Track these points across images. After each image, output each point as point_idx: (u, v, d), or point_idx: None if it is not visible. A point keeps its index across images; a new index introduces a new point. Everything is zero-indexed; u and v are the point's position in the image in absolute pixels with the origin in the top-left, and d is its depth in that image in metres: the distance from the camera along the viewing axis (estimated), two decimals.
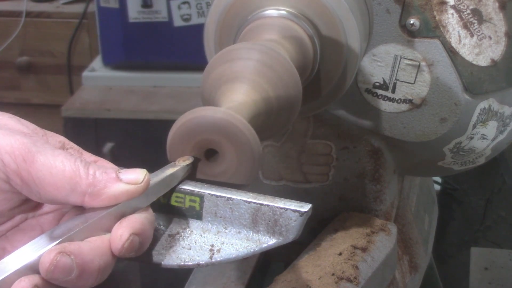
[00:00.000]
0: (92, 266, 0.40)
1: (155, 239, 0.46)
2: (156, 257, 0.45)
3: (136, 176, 0.43)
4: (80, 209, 0.45)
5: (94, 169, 0.42)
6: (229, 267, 0.76)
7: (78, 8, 2.18)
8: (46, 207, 0.48)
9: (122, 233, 0.41)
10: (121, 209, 0.43)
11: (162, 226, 0.47)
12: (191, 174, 0.47)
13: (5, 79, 2.25)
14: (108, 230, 0.42)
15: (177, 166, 0.46)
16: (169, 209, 0.47)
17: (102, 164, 0.44)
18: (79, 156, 0.44)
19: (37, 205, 0.47)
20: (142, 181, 0.43)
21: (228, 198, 0.45)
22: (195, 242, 0.45)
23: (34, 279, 0.39)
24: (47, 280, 0.39)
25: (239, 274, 0.75)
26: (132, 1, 1.82)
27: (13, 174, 0.42)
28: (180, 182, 0.46)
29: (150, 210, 0.45)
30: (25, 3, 2.20)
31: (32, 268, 0.39)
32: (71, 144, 0.48)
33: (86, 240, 0.41)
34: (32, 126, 0.46)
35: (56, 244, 0.40)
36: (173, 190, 0.46)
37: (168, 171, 0.46)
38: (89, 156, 0.47)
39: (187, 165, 0.46)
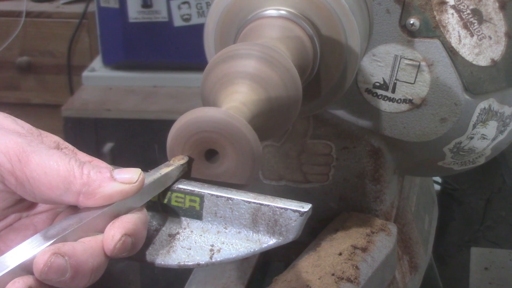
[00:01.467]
0: (85, 267, 0.40)
1: (155, 239, 0.46)
2: (156, 257, 0.45)
3: (130, 175, 0.43)
4: (74, 209, 0.45)
5: (89, 168, 0.42)
6: (229, 267, 0.76)
7: (78, 8, 2.18)
8: (40, 207, 0.48)
9: (114, 233, 0.41)
10: (115, 208, 0.43)
11: (161, 226, 0.47)
12: (186, 174, 0.47)
13: (5, 79, 2.25)
14: (102, 230, 0.42)
15: (172, 165, 0.46)
16: (169, 209, 0.47)
17: (96, 164, 0.44)
18: (74, 156, 0.44)
19: (31, 205, 0.47)
20: (137, 180, 0.43)
21: (228, 198, 0.45)
22: (195, 242, 0.45)
23: (28, 280, 0.39)
24: (41, 280, 0.39)
25: (239, 274, 0.75)
26: (132, 1, 1.82)
27: (8, 174, 0.42)
28: (175, 182, 0.46)
29: (144, 210, 0.44)
30: (25, 3, 2.20)
31: (26, 269, 0.39)
32: (66, 144, 0.48)
33: (80, 241, 0.41)
34: (27, 126, 0.46)
35: (51, 244, 0.40)
36: (168, 189, 0.46)
37: (163, 170, 0.46)
38: (83, 156, 0.47)
39: (182, 164, 0.46)
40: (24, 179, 0.42)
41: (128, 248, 0.42)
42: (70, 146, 0.48)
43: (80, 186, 0.42)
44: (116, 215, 0.43)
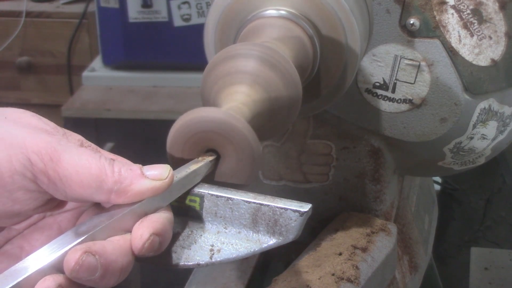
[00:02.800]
0: (115, 266, 0.40)
1: None
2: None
3: (160, 171, 0.43)
4: (100, 208, 0.45)
5: (119, 166, 0.42)
6: (229, 267, 0.76)
7: (78, 8, 2.18)
8: (66, 206, 0.48)
9: (143, 232, 0.41)
10: (144, 206, 0.43)
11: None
12: (213, 171, 0.47)
13: (5, 79, 2.25)
14: (130, 229, 0.42)
15: (200, 162, 0.46)
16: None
17: (125, 161, 0.44)
18: (101, 154, 0.44)
19: (59, 204, 0.47)
20: (167, 176, 0.43)
21: (228, 198, 0.45)
22: (195, 242, 0.45)
23: (58, 278, 0.39)
24: (71, 279, 0.39)
25: (239, 274, 0.75)
26: (132, 1, 1.82)
27: (40, 173, 0.42)
28: (204, 178, 0.46)
29: (170, 210, 0.44)
30: (25, 3, 2.20)
31: (56, 267, 0.39)
32: (89, 142, 0.48)
33: (109, 240, 0.41)
34: (52, 124, 0.46)
35: (82, 240, 0.40)
36: (195, 186, 0.46)
37: (192, 167, 0.45)
38: (108, 154, 0.47)
39: (210, 161, 0.46)
40: (56, 178, 0.42)
41: (156, 248, 0.42)
42: (93, 145, 0.48)
43: (112, 184, 0.42)
44: (144, 214, 0.43)
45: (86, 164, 0.42)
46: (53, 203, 0.45)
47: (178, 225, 0.46)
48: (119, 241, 0.41)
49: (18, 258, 0.45)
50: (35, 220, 0.47)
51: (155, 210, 0.43)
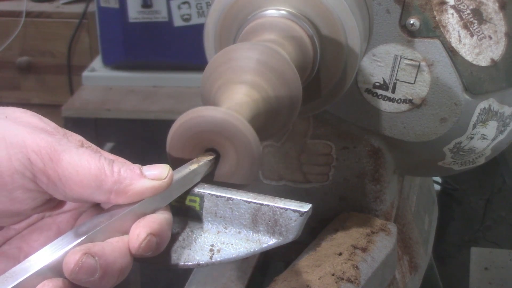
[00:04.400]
0: (114, 267, 0.40)
1: None
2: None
3: (160, 171, 0.43)
4: (99, 209, 0.45)
5: (119, 166, 0.42)
6: (229, 267, 0.76)
7: (78, 8, 2.18)
8: (65, 206, 0.48)
9: (140, 232, 0.42)
10: (144, 206, 0.43)
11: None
12: (213, 171, 0.47)
13: (5, 79, 2.25)
14: (129, 230, 0.42)
15: (200, 161, 0.46)
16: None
17: (124, 161, 0.44)
18: (102, 154, 0.44)
19: (58, 204, 0.47)
20: (166, 176, 0.43)
21: (228, 198, 0.45)
22: (195, 242, 0.45)
23: (58, 283, 0.39)
24: (71, 280, 0.39)
25: (239, 274, 0.75)
26: (132, 1, 1.82)
27: (40, 173, 0.42)
28: (203, 178, 0.46)
29: (169, 211, 0.44)
30: (25, 3, 2.20)
31: (55, 268, 0.39)
32: (89, 143, 0.48)
33: (108, 241, 0.41)
34: (53, 124, 0.46)
35: (82, 240, 0.40)
36: (195, 186, 0.46)
37: (191, 166, 0.45)
38: (108, 155, 0.47)
39: (210, 160, 0.46)
40: (56, 178, 0.42)
41: (153, 248, 0.42)
42: (94, 146, 0.48)
43: (112, 184, 0.42)
44: (143, 214, 0.43)
45: (86, 164, 0.42)
46: (52, 203, 0.45)
47: (178, 225, 0.46)
48: (118, 242, 0.41)
49: (16, 258, 0.45)
50: (34, 220, 0.47)
51: (154, 210, 0.43)
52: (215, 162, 0.46)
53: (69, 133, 0.47)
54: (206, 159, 0.46)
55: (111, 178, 0.42)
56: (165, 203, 0.44)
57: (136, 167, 0.43)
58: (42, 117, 0.46)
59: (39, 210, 0.45)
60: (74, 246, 0.39)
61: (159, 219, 0.43)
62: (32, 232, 0.47)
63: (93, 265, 0.39)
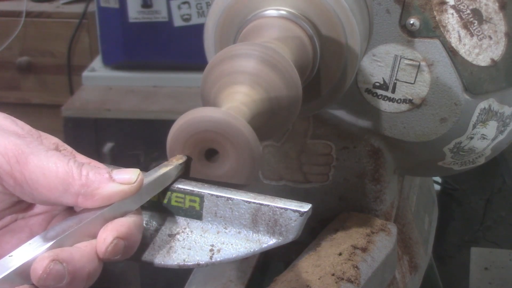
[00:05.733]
0: (82, 273, 0.40)
1: (155, 239, 0.46)
2: (156, 257, 0.45)
3: (129, 176, 0.43)
4: (71, 212, 0.45)
5: (87, 169, 0.43)
6: (229, 267, 0.76)
7: (78, 8, 2.18)
8: (37, 209, 0.48)
9: (106, 236, 0.42)
10: (113, 210, 0.43)
11: (161, 226, 0.47)
12: (185, 173, 0.47)
13: (5, 79, 2.25)
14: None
15: (170, 165, 0.46)
16: (169, 209, 0.47)
17: (95, 165, 0.44)
18: (72, 157, 0.44)
19: (28, 206, 0.47)
20: (136, 180, 0.43)
21: (228, 198, 0.45)
22: (195, 242, 0.45)
23: None
24: (38, 286, 0.39)
25: (239, 274, 0.75)
26: (132, 1, 1.82)
27: (6, 175, 0.42)
28: (174, 181, 0.46)
29: (140, 214, 0.45)
30: (25, 3, 2.20)
31: (23, 274, 0.39)
32: (65, 146, 0.48)
33: (76, 246, 0.41)
34: (27, 127, 0.46)
35: (49, 247, 0.40)
36: (167, 189, 0.46)
37: (161, 170, 0.46)
38: (82, 158, 0.47)
39: (180, 164, 0.46)
40: (22, 181, 0.42)
41: (121, 252, 0.42)
42: (69, 148, 0.48)
43: (79, 187, 0.42)
44: (113, 218, 0.43)
45: (53, 167, 0.42)
46: (21, 206, 0.46)
47: (178, 225, 0.46)
48: (86, 247, 0.41)
49: None
50: (7, 222, 0.47)
51: (125, 214, 0.43)
52: (187, 165, 0.46)
53: (45, 135, 0.47)
54: (177, 162, 0.46)
55: (79, 181, 0.42)
56: (135, 206, 0.44)
57: (105, 170, 0.43)
58: (16, 119, 0.46)
59: (7, 212, 0.45)
60: (42, 252, 0.39)
61: (128, 222, 0.43)
62: (5, 234, 0.47)
63: (61, 271, 0.39)
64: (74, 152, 0.48)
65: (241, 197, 0.44)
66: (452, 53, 0.65)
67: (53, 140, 0.48)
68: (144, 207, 0.46)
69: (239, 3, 0.55)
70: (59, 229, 0.41)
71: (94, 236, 0.42)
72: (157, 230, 0.46)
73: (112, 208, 0.43)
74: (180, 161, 0.46)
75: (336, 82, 0.57)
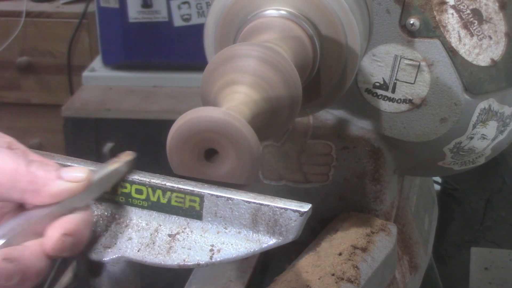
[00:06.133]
0: (32, 271, 0.41)
1: (156, 239, 0.46)
2: (156, 257, 0.45)
3: (77, 174, 0.44)
4: (22, 209, 0.46)
5: (36, 167, 0.43)
6: (229, 267, 0.76)
7: (78, 8, 2.18)
8: None
9: (53, 233, 0.42)
10: (62, 207, 0.43)
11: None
12: (133, 171, 0.47)
13: (5, 79, 2.25)
14: None
15: (118, 162, 0.47)
16: (169, 209, 0.47)
17: (45, 163, 0.45)
18: (23, 155, 0.45)
19: None
20: (83, 178, 0.44)
21: (228, 198, 0.45)
22: (195, 242, 0.45)
23: None
24: None
25: (239, 274, 0.75)
26: (132, 1, 1.82)
27: None
28: (123, 177, 0.47)
29: (89, 211, 0.45)
30: (25, 3, 2.20)
31: None
32: (18, 145, 0.48)
33: (26, 244, 0.41)
34: None
35: (1, 245, 0.40)
36: (117, 185, 0.47)
37: (111, 167, 0.46)
38: (34, 156, 0.47)
39: (130, 160, 0.47)
40: None
41: (68, 248, 0.42)
42: (22, 147, 0.48)
43: (26, 184, 0.42)
44: (62, 215, 0.43)
45: (1, 164, 0.42)
46: None
47: (178, 225, 0.46)
48: (35, 245, 0.42)
49: None
50: None
51: (75, 211, 0.44)
52: (134, 163, 0.47)
53: None
54: (125, 159, 0.46)
55: (26, 178, 0.42)
56: (84, 203, 0.44)
57: (53, 168, 0.43)
58: None
59: None
60: None
61: (75, 219, 0.43)
62: None
63: (11, 270, 0.39)
64: (27, 151, 0.48)
65: (241, 197, 0.44)
66: (452, 53, 0.65)
67: (7, 139, 0.48)
68: (99, 199, 0.47)
69: (239, 3, 0.55)
70: (8, 227, 0.42)
71: (43, 233, 0.43)
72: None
73: (61, 206, 0.43)
74: (129, 157, 0.47)
75: (336, 82, 0.57)
